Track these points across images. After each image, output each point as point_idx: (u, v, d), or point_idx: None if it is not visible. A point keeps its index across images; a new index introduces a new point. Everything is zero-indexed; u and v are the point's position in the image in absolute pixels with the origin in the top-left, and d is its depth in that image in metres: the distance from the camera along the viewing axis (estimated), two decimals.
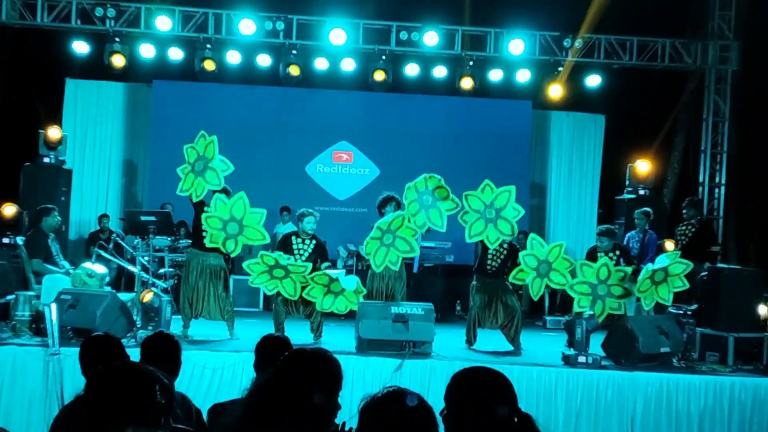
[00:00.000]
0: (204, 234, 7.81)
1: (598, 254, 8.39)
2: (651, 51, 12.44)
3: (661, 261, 7.90)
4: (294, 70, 12.05)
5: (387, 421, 2.31)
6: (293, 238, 8.24)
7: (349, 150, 13.45)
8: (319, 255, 8.19)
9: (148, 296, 7.76)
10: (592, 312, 7.82)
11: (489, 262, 8.25)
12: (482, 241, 8.13)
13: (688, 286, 7.84)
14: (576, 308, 7.95)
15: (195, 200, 7.97)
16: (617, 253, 8.57)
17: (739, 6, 12.34)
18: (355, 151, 13.47)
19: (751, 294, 8.07)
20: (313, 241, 8.21)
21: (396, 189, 12.64)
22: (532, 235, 8.19)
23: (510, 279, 8.06)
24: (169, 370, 3.79)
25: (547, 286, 8.19)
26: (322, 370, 2.55)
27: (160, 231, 8.38)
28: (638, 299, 7.95)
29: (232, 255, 8.20)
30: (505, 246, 8.22)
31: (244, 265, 7.97)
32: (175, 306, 8.24)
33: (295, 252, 8.12)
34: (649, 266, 7.90)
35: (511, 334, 8.16)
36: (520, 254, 7.94)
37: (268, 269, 7.71)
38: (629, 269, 7.95)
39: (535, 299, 8.19)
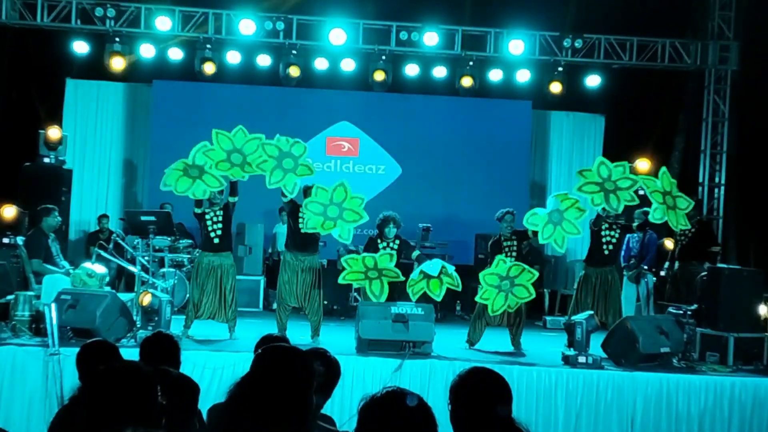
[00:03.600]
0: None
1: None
2: (651, 51, 12.42)
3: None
4: (294, 71, 12.02)
5: (387, 422, 2.31)
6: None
7: (354, 136, 13.10)
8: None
9: (146, 299, 7.72)
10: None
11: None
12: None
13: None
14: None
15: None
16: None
17: (739, 6, 12.34)
18: (362, 136, 13.09)
19: (751, 294, 8.07)
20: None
21: (411, 191, 12.58)
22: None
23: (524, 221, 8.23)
24: None
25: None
26: (294, 367, 2.54)
27: (160, 231, 8.38)
28: None
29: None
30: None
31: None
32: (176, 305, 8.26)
33: None
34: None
35: (513, 332, 8.23)
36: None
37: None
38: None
39: (540, 241, 8.39)
